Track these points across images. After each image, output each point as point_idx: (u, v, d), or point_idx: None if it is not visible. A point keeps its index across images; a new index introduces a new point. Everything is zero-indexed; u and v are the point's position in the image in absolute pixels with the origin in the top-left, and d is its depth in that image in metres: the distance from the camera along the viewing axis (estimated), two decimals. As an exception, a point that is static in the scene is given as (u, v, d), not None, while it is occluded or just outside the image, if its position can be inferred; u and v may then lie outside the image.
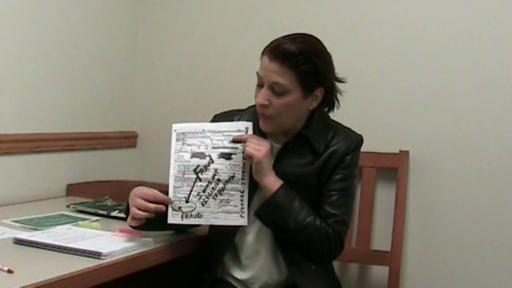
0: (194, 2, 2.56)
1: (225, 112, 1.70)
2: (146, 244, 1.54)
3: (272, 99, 1.49)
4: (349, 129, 1.65)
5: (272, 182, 1.52)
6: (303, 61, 1.47)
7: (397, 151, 2.15)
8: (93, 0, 2.41)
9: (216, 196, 1.52)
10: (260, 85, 1.52)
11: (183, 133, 1.55)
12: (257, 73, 1.52)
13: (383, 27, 2.20)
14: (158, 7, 2.63)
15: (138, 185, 1.57)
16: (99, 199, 2.08)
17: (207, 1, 2.54)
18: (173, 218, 1.52)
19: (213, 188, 1.52)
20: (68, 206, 1.98)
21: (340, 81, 1.62)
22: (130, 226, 1.55)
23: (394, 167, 2.15)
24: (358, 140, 1.63)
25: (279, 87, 1.48)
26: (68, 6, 2.28)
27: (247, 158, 1.51)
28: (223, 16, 2.50)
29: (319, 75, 1.51)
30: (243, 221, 1.53)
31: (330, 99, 1.62)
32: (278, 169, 1.54)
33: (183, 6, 2.58)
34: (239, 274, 1.65)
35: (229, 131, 1.54)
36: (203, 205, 1.52)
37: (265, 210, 1.53)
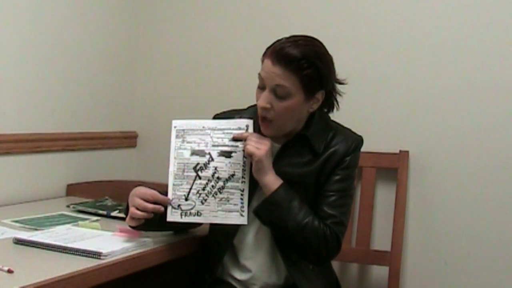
0: (194, 2, 2.56)
1: (225, 112, 1.70)
2: (146, 244, 1.54)
3: (274, 103, 1.49)
4: (349, 129, 1.65)
5: (272, 180, 1.52)
6: (307, 66, 1.47)
7: (397, 151, 2.15)
8: (93, 0, 2.41)
9: (216, 194, 1.52)
10: (261, 87, 1.52)
11: (183, 130, 1.55)
12: (259, 75, 1.52)
13: (383, 28, 2.20)
14: (158, 7, 2.63)
15: (138, 185, 1.57)
16: (99, 199, 2.08)
17: (207, 1, 2.54)
18: (172, 216, 1.52)
19: (212, 186, 1.52)
20: (68, 206, 1.98)
21: (340, 83, 1.62)
22: (129, 226, 1.55)
23: (394, 167, 2.15)
24: (358, 141, 1.63)
25: (282, 90, 1.47)
26: (68, 6, 2.28)
27: (248, 156, 1.51)
28: (223, 16, 2.50)
29: (322, 79, 1.51)
30: (243, 220, 1.52)
31: (330, 101, 1.62)
32: (277, 169, 1.54)
33: (183, 6, 2.58)
34: (238, 275, 1.65)
35: (230, 128, 1.54)
36: (202, 203, 1.52)
37: (264, 209, 1.53)
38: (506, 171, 2.03)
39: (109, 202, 2.04)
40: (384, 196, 2.19)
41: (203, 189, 1.52)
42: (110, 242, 1.49)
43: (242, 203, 1.52)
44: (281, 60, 1.46)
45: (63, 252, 1.42)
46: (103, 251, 1.40)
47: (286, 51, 1.47)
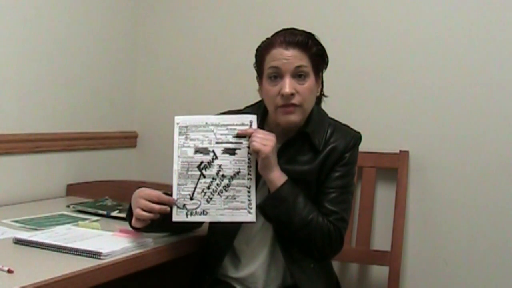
0: (194, 2, 2.56)
1: (221, 114, 1.69)
2: (146, 244, 1.54)
3: (297, 87, 1.52)
4: (348, 126, 1.66)
5: (278, 176, 1.52)
6: (313, 44, 1.56)
7: (397, 151, 2.15)
8: (93, 0, 2.41)
9: (222, 192, 1.51)
10: (274, 79, 1.53)
11: (186, 127, 1.54)
12: (272, 67, 1.53)
13: (383, 27, 2.20)
14: (158, 7, 2.63)
15: (139, 185, 1.57)
16: (99, 199, 2.08)
17: (207, 1, 2.54)
18: (178, 216, 1.51)
19: (217, 184, 1.51)
20: (68, 206, 1.98)
21: None
22: (134, 228, 1.54)
23: (394, 167, 2.15)
24: (357, 137, 1.63)
25: (303, 70, 1.52)
26: (68, 6, 2.28)
27: (253, 153, 1.50)
28: (223, 16, 2.50)
29: (324, 57, 1.60)
30: (251, 217, 1.51)
31: (322, 87, 1.66)
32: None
33: (183, 6, 2.58)
34: (238, 274, 1.65)
35: (233, 124, 1.53)
36: (208, 202, 1.51)
37: (270, 204, 1.52)
38: (506, 171, 2.03)
39: (109, 202, 2.04)
40: (384, 196, 2.19)
41: (208, 188, 1.51)
42: (110, 242, 1.49)
43: (249, 200, 1.51)
44: (291, 44, 1.53)
45: (63, 252, 1.42)
46: (103, 251, 1.40)
47: (294, 36, 1.54)
